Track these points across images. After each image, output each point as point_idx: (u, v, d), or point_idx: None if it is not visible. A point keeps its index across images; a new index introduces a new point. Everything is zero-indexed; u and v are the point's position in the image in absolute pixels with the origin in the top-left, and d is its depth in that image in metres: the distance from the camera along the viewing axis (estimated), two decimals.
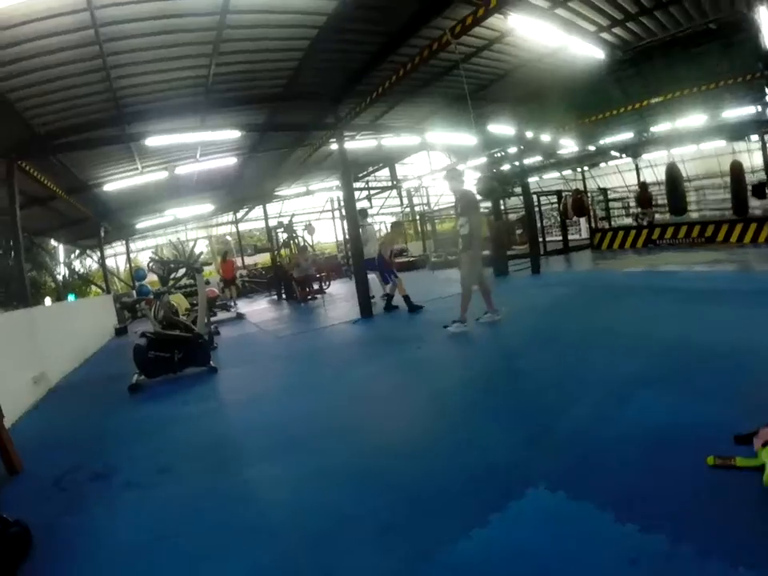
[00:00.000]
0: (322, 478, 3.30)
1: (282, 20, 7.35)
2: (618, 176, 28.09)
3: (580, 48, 9.20)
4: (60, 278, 22.90)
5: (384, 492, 2.99)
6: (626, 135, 20.05)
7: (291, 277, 15.68)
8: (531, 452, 3.19)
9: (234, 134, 10.53)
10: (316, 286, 15.97)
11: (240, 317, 13.43)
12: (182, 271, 8.68)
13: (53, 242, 21.88)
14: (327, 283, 17.02)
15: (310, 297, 15.15)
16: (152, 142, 9.55)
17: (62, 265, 23.54)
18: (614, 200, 22.42)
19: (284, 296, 17.13)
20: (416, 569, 2.26)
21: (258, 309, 15.66)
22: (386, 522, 2.65)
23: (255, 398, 5.49)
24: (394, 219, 30.27)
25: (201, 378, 6.78)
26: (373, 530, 2.61)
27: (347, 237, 13.71)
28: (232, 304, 16.54)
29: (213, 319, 12.51)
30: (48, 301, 21.22)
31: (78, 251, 24.56)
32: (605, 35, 9.67)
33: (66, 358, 8.99)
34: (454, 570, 2.22)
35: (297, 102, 10.72)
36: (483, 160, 17.66)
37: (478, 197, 8.33)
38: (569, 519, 2.45)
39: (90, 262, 24.85)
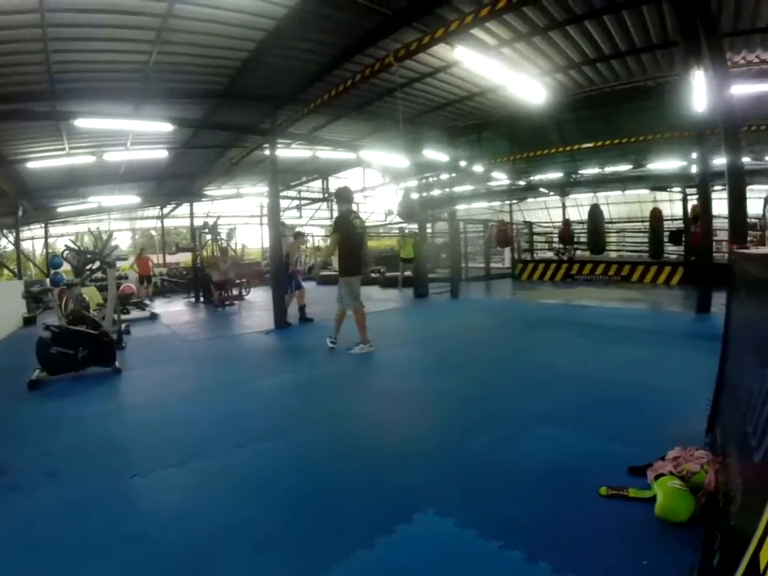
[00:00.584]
0: (208, 485, 3.33)
1: (230, 18, 7.26)
2: (545, 211, 29.17)
3: (522, 88, 9.56)
4: None
5: (270, 505, 3.02)
6: (556, 174, 20.90)
7: (210, 279, 15.35)
8: (425, 479, 3.25)
9: (167, 127, 10.33)
10: (235, 292, 15.64)
11: (153, 317, 13.03)
12: (97, 264, 8.41)
13: None
14: (247, 290, 16.65)
15: (227, 302, 14.80)
16: (82, 123, 9.20)
17: None
18: (539, 234, 23.30)
19: (202, 299, 16.59)
20: None
21: (174, 310, 15.20)
22: (267, 537, 2.68)
23: (155, 402, 5.44)
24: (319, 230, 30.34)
25: (104, 379, 6.54)
26: (252, 544, 2.62)
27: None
28: (147, 302, 16.00)
29: (125, 317, 12.12)
30: None
31: None
32: (548, 79, 10.13)
33: None
34: None
35: (235, 103, 10.65)
36: (413, 183, 18.00)
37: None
38: (454, 545, 2.51)
39: (5, 243, 23.56)
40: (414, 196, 14.45)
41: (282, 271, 10.57)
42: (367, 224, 29.03)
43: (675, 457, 2.92)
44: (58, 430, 4.67)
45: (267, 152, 11.37)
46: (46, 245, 23.96)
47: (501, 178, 20.33)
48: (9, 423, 4.99)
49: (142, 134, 12.41)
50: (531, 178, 21.88)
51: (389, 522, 2.72)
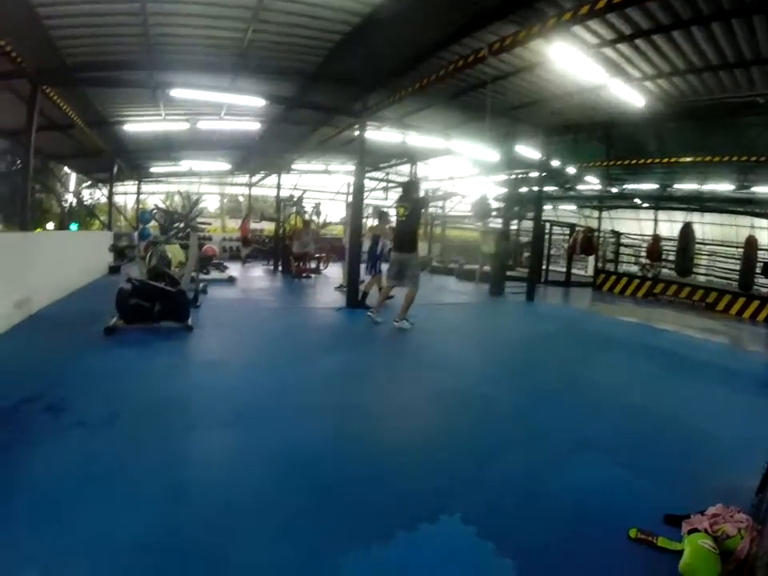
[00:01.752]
0: (251, 452, 3.44)
1: (326, 1, 7.33)
2: (635, 223, 27.91)
3: (621, 91, 9.16)
4: (66, 205, 22.94)
5: (304, 483, 3.05)
6: (650, 185, 19.97)
7: (290, 250, 15.62)
8: (458, 483, 3.20)
9: (260, 102, 10.48)
10: (313, 265, 15.92)
11: (231, 280, 13.36)
12: (182, 225, 8.68)
13: (66, 169, 21.95)
14: (325, 264, 16.92)
15: (304, 274, 15.10)
16: (177, 93, 9.52)
17: (71, 193, 23.60)
18: (625, 245, 22.19)
19: (280, 268, 17.00)
20: (303, 567, 2.32)
21: (252, 276, 15.67)
22: (292, 516, 2.71)
23: (218, 363, 5.67)
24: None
25: (175, 334, 6.86)
26: (280, 519, 2.67)
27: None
28: (226, 265, 16.37)
29: (205, 278, 12.50)
30: (50, 225, 21.34)
31: (89, 182, 24.58)
32: (648, 84, 9.55)
33: (53, 288, 8.95)
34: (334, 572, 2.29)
35: (327, 83, 10.67)
36: (502, 177, 17.61)
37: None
38: (470, 554, 2.49)
39: (99, 195, 24.80)
40: (490, 197, 14.01)
41: (370, 253, 10.58)
42: (452, 214, 28.99)
43: (714, 514, 2.69)
44: (125, 377, 4.96)
45: (357, 133, 11.34)
46: (138, 200, 25.08)
47: (593, 183, 19.67)
48: (81, 364, 5.32)
49: (236, 106, 12.66)
50: (624, 186, 21.00)
51: (414, 517, 2.73)
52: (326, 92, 11.25)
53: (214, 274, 13.73)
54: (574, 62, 7.89)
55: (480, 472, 3.40)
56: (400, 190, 8.67)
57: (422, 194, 8.35)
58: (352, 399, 4.73)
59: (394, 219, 8.75)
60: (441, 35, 8.13)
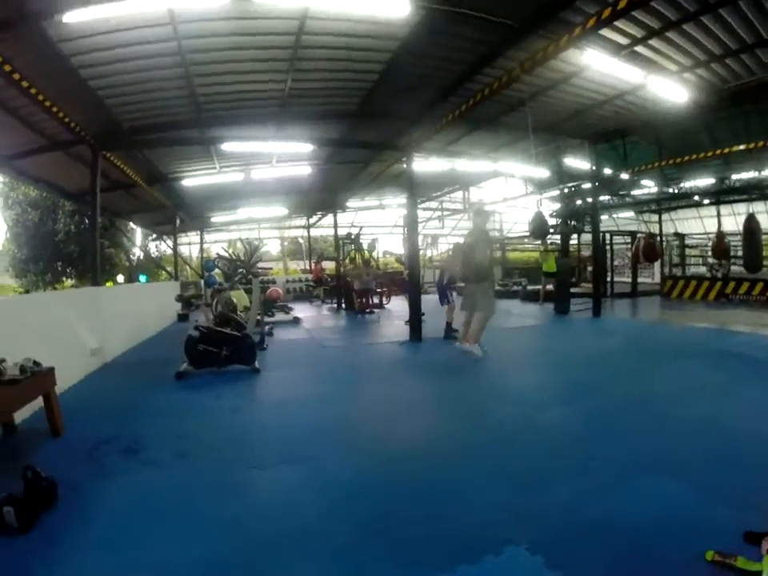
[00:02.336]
0: (308, 487, 3.53)
1: (353, 43, 7.72)
2: (698, 221, 27.03)
3: (663, 87, 9.02)
4: (134, 258, 24.03)
5: (368, 516, 3.09)
6: (708, 180, 19.29)
7: (352, 287, 15.79)
8: (527, 511, 3.12)
9: (307, 147, 10.83)
10: (376, 300, 16.05)
11: (296, 321, 13.59)
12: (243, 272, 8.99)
13: (131, 225, 23.09)
14: (387, 299, 16.97)
15: (367, 310, 15.19)
16: (228, 147, 10.05)
17: (137, 246, 24.72)
18: (691, 247, 21.41)
19: (344, 306, 17.11)
20: None
21: (316, 315, 15.89)
22: (350, 544, 2.77)
23: (283, 402, 5.83)
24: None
25: (242, 376, 7.09)
26: (332, 548, 2.74)
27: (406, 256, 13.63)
28: (291, 306, 16.68)
29: (270, 320, 12.82)
30: (120, 278, 22.46)
31: (154, 235, 25.72)
32: (688, 75, 9.27)
33: (125, 337, 9.56)
34: None
35: (371, 121, 11.00)
36: (555, 193, 17.42)
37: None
38: None
39: (165, 247, 25.91)
40: (546, 214, 13.81)
41: (439, 284, 10.66)
42: (510, 235, 28.74)
43: None
44: (194, 418, 5.27)
45: (405, 166, 11.51)
46: (201, 250, 26.01)
47: (648, 186, 19.18)
48: (154, 407, 5.74)
49: (286, 153, 13.10)
50: (681, 185, 20.35)
51: (478, 550, 2.65)
52: (370, 129, 11.58)
53: (280, 316, 14.02)
54: (610, 66, 7.90)
55: (543, 498, 3.28)
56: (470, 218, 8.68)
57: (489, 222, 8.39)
58: (412, 431, 4.73)
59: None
60: (473, 60, 8.28)
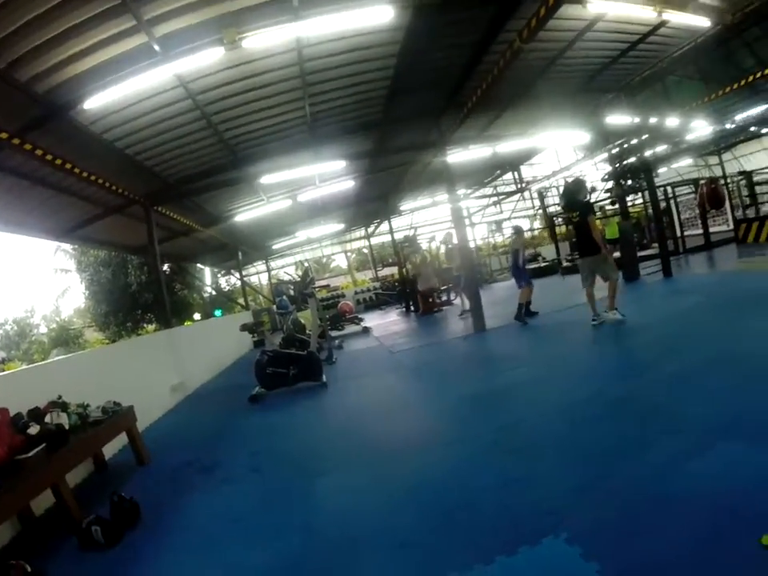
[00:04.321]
0: (373, 491, 3.68)
1: (356, 57, 8.04)
2: (764, 153, 25.07)
3: (681, 19, 8.62)
4: (207, 296, 25.07)
5: (417, 513, 3.20)
6: (762, 107, 18.00)
7: (416, 289, 15.76)
8: (574, 497, 2.95)
9: (341, 164, 11.13)
10: (444, 297, 16.07)
11: (366, 330, 13.84)
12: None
13: (200, 266, 24.06)
14: (455, 294, 16.67)
15: (435, 309, 15.22)
16: (267, 179, 10.64)
17: (208, 285, 25.77)
18: (761, 183, 19.62)
19: (412, 308, 17.07)
20: None
21: (385, 321, 16.02)
22: (404, 541, 2.89)
23: (350, 414, 6.04)
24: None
25: (312, 392, 7.45)
26: (390, 545, 2.88)
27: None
28: (361, 317, 16.79)
29: (340, 333, 13.12)
30: (197, 315, 23.48)
31: (223, 272, 26.70)
32: (705, 0, 8.67)
33: (203, 369, 10.38)
34: None
35: (398, 125, 11.14)
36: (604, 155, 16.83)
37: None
38: None
39: (235, 281, 26.91)
40: (579, 182, 13.28)
41: (513, 268, 10.66)
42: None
43: None
44: (267, 435, 5.77)
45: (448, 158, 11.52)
46: (269, 277, 26.81)
47: (701, 127, 18.23)
48: (230, 429, 6.33)
49: (326, 172, 13.48)
50: (735, 117, 19.01)
51: (517, 540, 2.61)
52: (401, 133, 11.76)
53: (350, 328, 14.26)
54: (620, 10, 7.72)
55: (602, 483, 3.05)
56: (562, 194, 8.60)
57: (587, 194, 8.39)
58: (466, 430, 4.65)
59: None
60: (474, 41, 8.34)
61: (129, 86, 6.43)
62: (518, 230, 11.29)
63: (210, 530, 3.47)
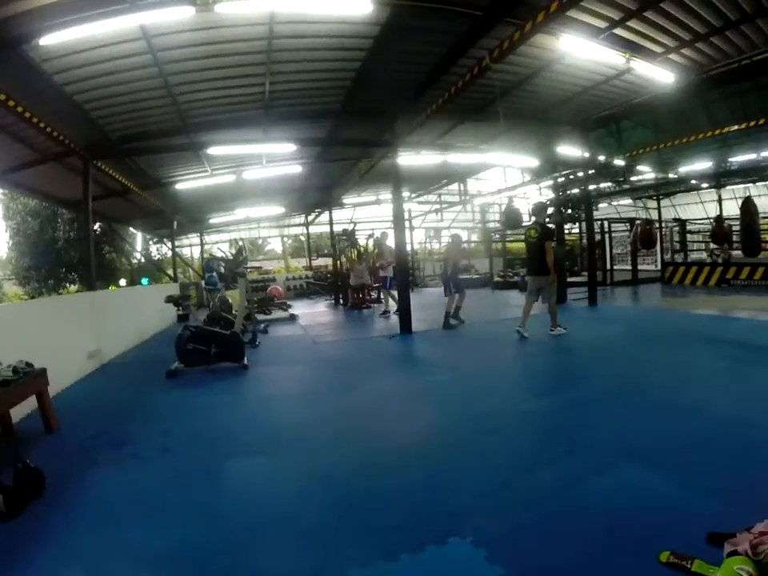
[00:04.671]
0: (282, 477, 3.71)
1: (326, 44, 7.90)
2: (699, 206, 26.77)
3: (649, 69, 8.95)
4: (135, 262, 24.26)
5: (323, 504, 3.23)
6: (705, 164, 18.97)
7: (348, 283, 15.82)
8: (483, 502, 3.10)
9: (292, 147, 10.96)
10: (374, 295, 16.15)
11: (292, 317, 13.68)
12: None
13: (132, 230, 23.32)
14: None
15: (363, 305, 15.32)
16: (215, 151, 10.32)
17: (138, 251, 24.97)
18: (692, 232, 21.10)
19: (341, 301, 17.21)
20: None
21: (312, 311, 15.94)
22: (306, 531, 2.91)
23: (268, 398, 6.06)
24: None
25: (231, 373, 7.30)
26: (292, 534, 2.89)
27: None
28: (289, 304, 16.65)
29: (266, 318, 12.94)
30: (123, 282, 22.73)
31: (155, 239, 25.94)
32: (674, 57, 9.10)
33: (123, 338, 9.90)
34: None
35: (354, 119, 11.13)
36: (548, 182, 17.25)
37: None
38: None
39: (166, 250, 26.18)
40: (517, 205, 13.56)
41: (443, 276, 10.82)
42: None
43: (762, 532, 1.99)
44: (180, 414, 5.57)
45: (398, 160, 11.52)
46: (202, 251, 26.20)
47: (645, 171, 18.94)
48: (144, 403, 6.05)
49: (275, 153, 13.28)
50: (680, 169, 19.96)
51: (423, 540, 2.68)
52: (355, 127, 11.72)
53: (277, 314, 14.08)
54: (590, 51, 7.93)
55: (506, 491, 3.22)
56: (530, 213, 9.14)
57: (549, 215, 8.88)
58: (381, 423, 4.83)
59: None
60: (444, 52, 8.35)
61: (91, 28, 6.00)
62: (455, 238, 11.48)
63: (115, 508, 3.34)
